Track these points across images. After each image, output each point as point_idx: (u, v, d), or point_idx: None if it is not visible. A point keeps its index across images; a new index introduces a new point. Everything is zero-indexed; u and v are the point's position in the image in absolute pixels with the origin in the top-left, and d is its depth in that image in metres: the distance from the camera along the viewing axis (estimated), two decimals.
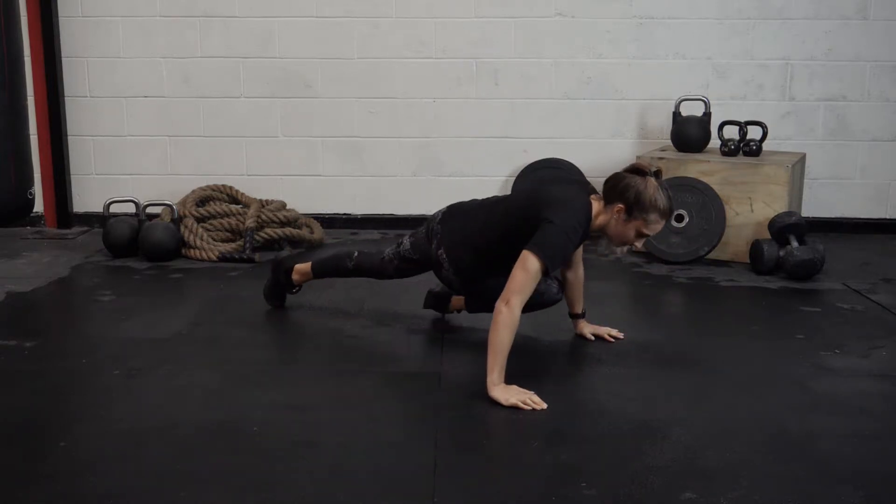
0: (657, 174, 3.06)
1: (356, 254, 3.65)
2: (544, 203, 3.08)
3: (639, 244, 3.13)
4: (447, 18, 5.24)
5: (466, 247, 3.27)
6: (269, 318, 3.74)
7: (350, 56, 5.29)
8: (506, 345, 2.91)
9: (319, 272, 3.73)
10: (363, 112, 5.35)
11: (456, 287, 3.39)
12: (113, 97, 5.32)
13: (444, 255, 3.31)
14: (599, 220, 3.09)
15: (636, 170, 3.07)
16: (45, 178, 5.28)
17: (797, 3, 5.18)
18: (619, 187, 3.04)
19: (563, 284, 3.47)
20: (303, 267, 3.75)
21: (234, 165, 5.39)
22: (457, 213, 3.36)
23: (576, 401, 2.98)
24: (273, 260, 3.85)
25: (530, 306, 3.08)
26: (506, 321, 2.89)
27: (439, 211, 3.43)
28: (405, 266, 3.50)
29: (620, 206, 3.02)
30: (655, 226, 3.05)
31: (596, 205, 3.10)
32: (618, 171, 3.12)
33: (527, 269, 2.93)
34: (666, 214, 3.05)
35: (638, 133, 5.36)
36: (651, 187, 3.00)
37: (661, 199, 3.01)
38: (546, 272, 2.96)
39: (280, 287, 3.80)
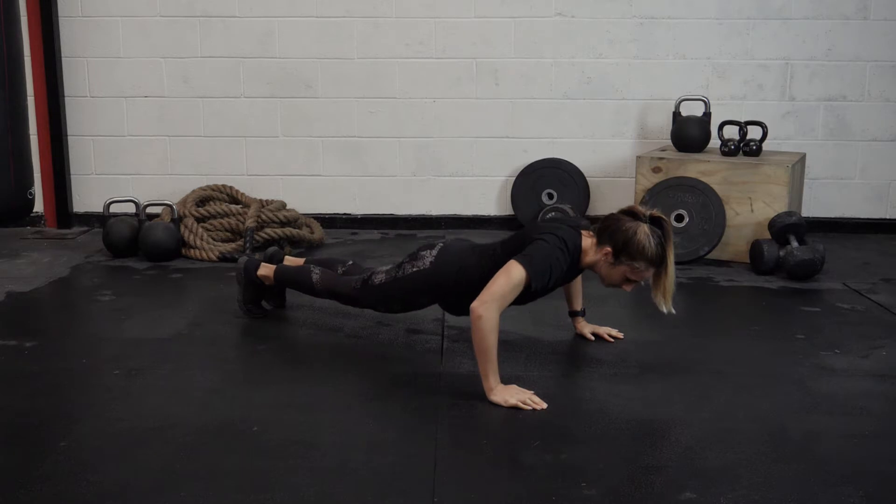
0: (654, 220, 2.99)
1: (319, 271, 3.57)
2: (534, 230, 3.12)
3: (627, 288, 3.08)
4: (447, 18, 5.25)
5: (454, 264, 3.23)
6: (269, 319, 3.74)
7: (350, 56, 5.29)
8: (493, 348, 2.89)
9: (279, 279, 3.66)
10: (363, 112, 5.35)
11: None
12: (113, 97, 5.32)
13: (431, 255, 3.27)
14: (589, 258, 3.07)
15: (631, 213, 3.02)
16: (45, 178, 5.28)
17: (797, 3, 5.19)
18: (610, 230, 3.00)
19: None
20: (267, 268, 3.68)
21: (234, 165, 5.39)
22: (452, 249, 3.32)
23: (576, 401, 2.98)
24: (238, 268, 3.72)
25: None
26: (486, 326, 2.86)
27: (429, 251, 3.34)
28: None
29: (608, 249, 3.00)
30: (643, 273, 3.01)
31: (587, 241, 3.08)
32: (613, 211, 3.09)
33: (510, 276, 2.92)
34: (654, 263, 2.98)
35: (638, 133, 5.36)
36: (642, 234, 2.94)
37: (650, 248, 2.94)
38: (529, 286, 2.93)
39: (256, 290, 3.69)
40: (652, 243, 2.95)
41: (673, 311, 3.08)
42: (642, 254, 2.96)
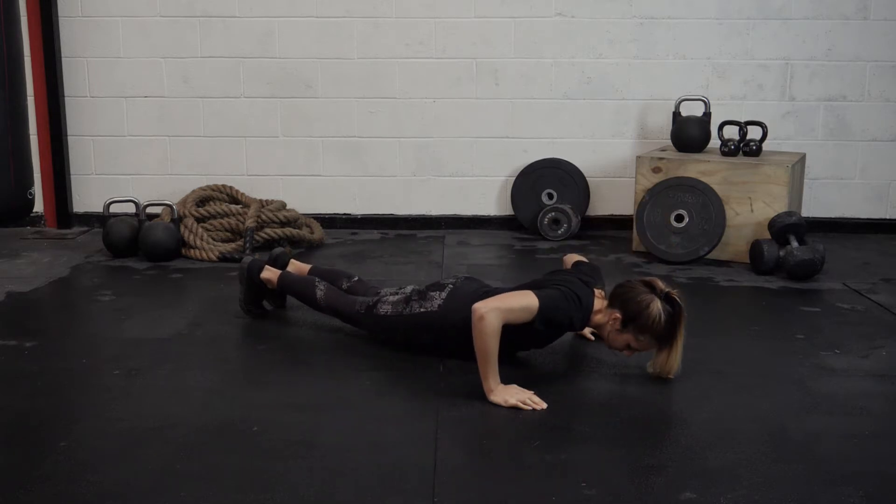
0: (669, 298, 2.95)
1: (324, 288, 3.53)
2: (548, 280, 3.14)
3: (628, 354, 3.08)
4: (447, 18, 5.25)
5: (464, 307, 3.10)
6: (269, 319, 3.74)
7: (350, 56, 5.29)
8: (493, 350, 2.88)
9: (283, 286, 3.65)
10: (363, 112, 5.35)
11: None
12: (113, 97, 5.33)
13: (441, 297, 3.22)
14: (596, 319, 3.07)
15: (649, 284, 2.99)
16: (45, 178, 5.29)
17: (797, 3, 5.19)
18: (624, 297, 2.98)
19: None
20: (271, 272, 3.67)
21: (234, 165, 5.39)
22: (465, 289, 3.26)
23: (576, 400, 2.98)
24: (241, 267, 3.70)
25: None
26: (487, 329, 2.85)
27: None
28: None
29: (618, 315, 2.98)
30: (646, 346, 3.01)
31: (598, 301, 3.07)
32: (632, 279, 3.06)
33: (522, 296, 2.94)
34: (658, 341, 2.97)
35: (638, 133, 5.36)
36: (654, 310, 2.91)
37: (660, 326, 2.92)
38: (532, 322, 2.92)
39: (258, 290, 3.69)
40: (661, 321, 2.92)
41: (671, 375, 3.05)
42: (650, 329, 2.94)
